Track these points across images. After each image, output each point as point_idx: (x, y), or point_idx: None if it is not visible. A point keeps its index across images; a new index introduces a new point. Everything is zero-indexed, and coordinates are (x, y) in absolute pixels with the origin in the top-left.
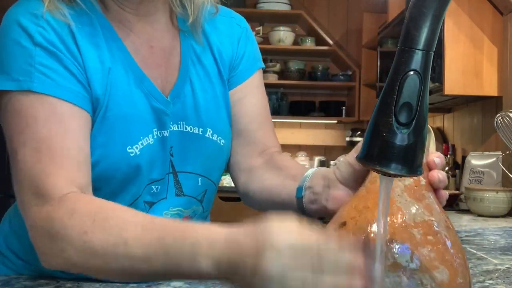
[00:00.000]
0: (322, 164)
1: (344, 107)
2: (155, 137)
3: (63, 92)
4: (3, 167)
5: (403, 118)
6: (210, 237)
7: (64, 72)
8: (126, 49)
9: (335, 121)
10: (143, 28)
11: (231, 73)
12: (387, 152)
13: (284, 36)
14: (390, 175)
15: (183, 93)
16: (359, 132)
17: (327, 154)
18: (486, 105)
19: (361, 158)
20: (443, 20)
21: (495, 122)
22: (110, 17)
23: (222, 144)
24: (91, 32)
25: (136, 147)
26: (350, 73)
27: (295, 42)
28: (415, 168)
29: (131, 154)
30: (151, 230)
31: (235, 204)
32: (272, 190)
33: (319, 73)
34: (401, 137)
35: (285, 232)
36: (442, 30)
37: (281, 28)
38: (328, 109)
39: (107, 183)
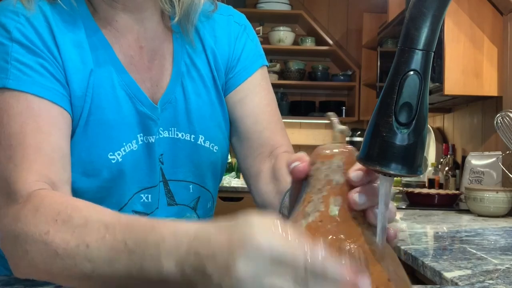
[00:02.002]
0: None
1: (344, 107)
2: (140, 142)
3: (39, 89)
4: None
5: (403, 118)
6: (177, 234)
7: (40, 69)
8: (112, 50)
9: None
10: (132, 27)
11: (228, 75)
12: (387, 152)
13: (284, 36)
14: (390, 175)
15: (174, 97)
16: (359, 132)
17: None
18: (486, 105)
19: (361, 158)
20: (443, 20)
21: (495, 122)
22: (98, 17)
23: (215, 150)
24: (73, 31)
25: (118, 154)
26: (350, 73)
27: (295, 42)
28: (415, 168)
29: (113, 161)
30: (115, 230)
31: (235, 204)
32: (269, 207)
33: (319, 73)
34: (401, 137)
35: (267, 230)
36: (442, 30)
37: (281, 28)
38: (328, 109)
39: (89, 191)
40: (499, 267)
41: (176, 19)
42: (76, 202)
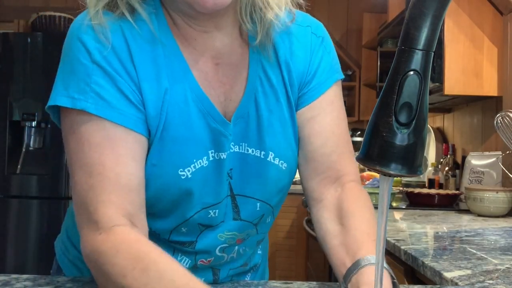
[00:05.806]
0: None
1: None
2: (211, 159)
3: (117, 115)
4: (3, 168)
5: (403, 118)
6: None
7: (117, 94)
8: (188, 66)
9: None
10: (211, 45)
11: (302, 90)
12: (387, 152)
13: None
14: (390, 175)
15: (247, 112)
16: (359, 132)
17: None
18: (486, 105)
19: (361, 158)
20: (443, 20)
21: (495, 122)
22: (177, 33)
23: (284, 168)
24: (151, 47)
25: (188, 170)
26: (350, 73)
27: None
28: (415, 168)
29: (182, 177)
30: None
31: None
32: (326, 250)
33: None
34: (401, 137)
35: None
36: (442, 30)
37: None
38: None
39: (156, 203)
40: (499, 267)
41: (258, 39)
42: (153, 253)
